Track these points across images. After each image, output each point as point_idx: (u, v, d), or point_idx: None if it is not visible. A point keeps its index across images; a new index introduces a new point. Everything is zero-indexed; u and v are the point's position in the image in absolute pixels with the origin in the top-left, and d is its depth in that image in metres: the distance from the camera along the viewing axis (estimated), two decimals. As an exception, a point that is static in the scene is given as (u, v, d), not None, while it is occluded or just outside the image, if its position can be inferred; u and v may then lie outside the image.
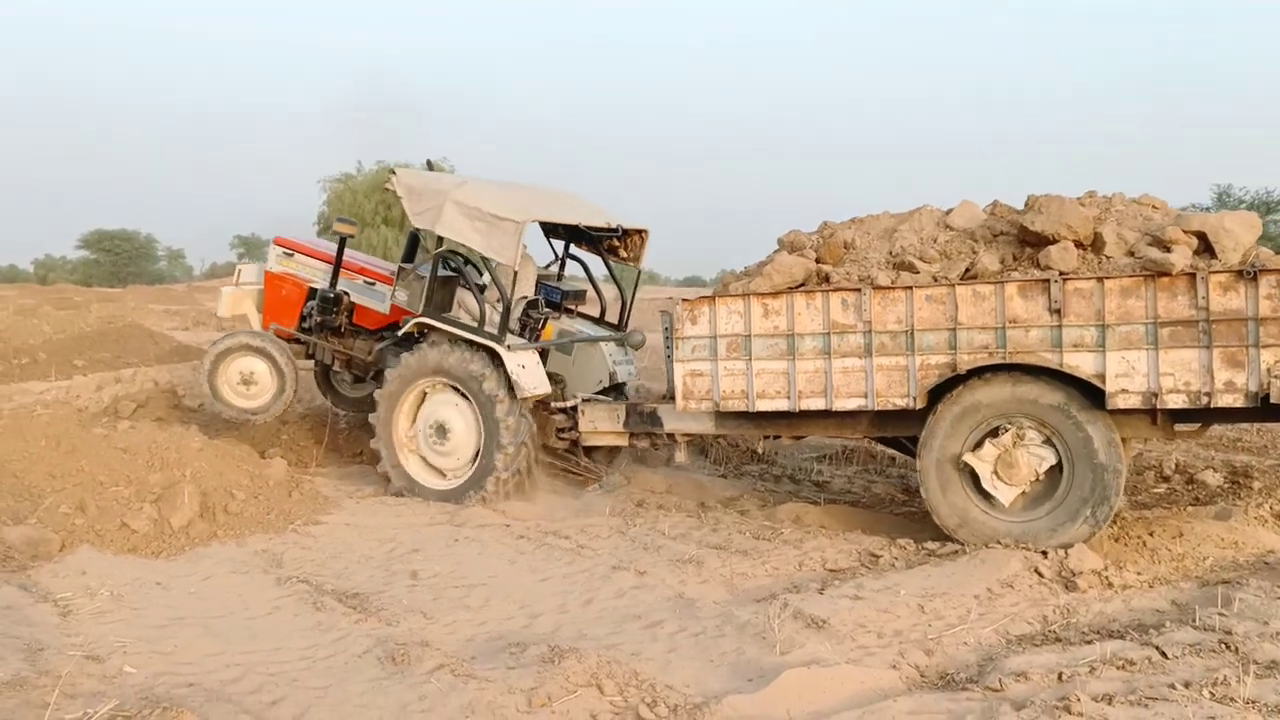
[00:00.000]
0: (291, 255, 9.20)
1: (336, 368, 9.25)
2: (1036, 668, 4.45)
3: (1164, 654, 4.56)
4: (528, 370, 7.87)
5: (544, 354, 8.31)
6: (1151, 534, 6.48)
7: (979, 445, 6.46)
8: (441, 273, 8.29)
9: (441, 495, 7.99)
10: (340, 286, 8.88)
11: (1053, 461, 6.35)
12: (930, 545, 6.41)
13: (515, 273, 7.88)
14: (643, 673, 4.50)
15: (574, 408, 8.09)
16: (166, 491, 6.84)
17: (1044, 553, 6.00)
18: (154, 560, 6.28)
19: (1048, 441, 6.36)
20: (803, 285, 6.82)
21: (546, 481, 8.25)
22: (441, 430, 8.01)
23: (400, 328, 8.36)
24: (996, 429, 6.44)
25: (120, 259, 48.56)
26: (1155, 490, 8.00)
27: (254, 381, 8.73)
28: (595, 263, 9.39)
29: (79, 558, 6.09)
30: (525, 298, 8.14)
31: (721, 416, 7.18)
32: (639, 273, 9.05)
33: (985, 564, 5.91)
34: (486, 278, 8.34)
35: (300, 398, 10.69)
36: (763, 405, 6.85)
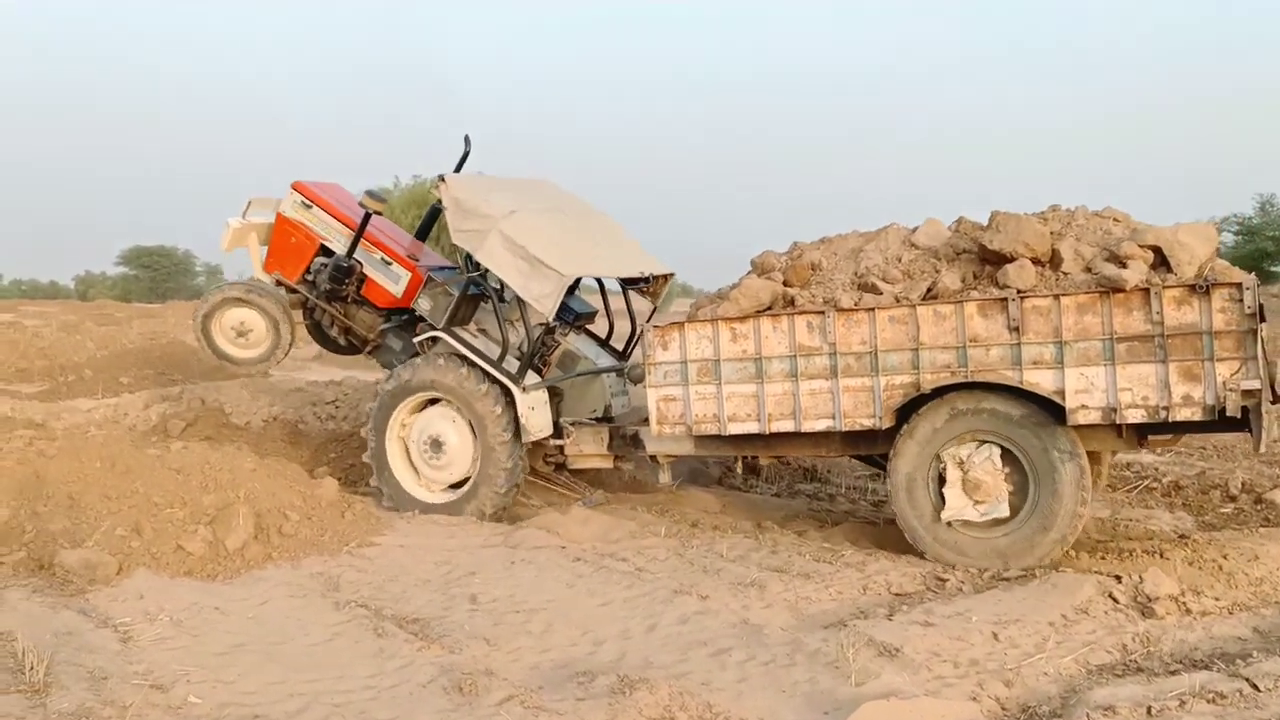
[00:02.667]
0: (310, 207, 8.72)
1: (333, 332, 9.06)
2: (1123, 700, 4.31)
3: (1255, 686, 4.41)
4: (536, 412, 7.88)
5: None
6: (1226, 557, 6.28)
7: (942, 500, 6.48)
8: (471, 290, 8.23)
9: (429, 509, 7.99)
10: (356, 257, 8.56)
11: (999, 451, 6.40)
12: (997, 568, 6.27)
13: (547, 321, 7.82)
14: (716, 704, 4.40)
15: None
16: (221, 513, 6.80)
17: (1117, 577, 5.83)
18: (210, 583, 6.24)
19: (981, 444, 6.44)
20: (770, 308, 6.85)
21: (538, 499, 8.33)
22: (436, 445, 8.00)
23: (410, 317, 8.45)
24: (940, 475, 6.49)
25: (159, 275, 48.94)
26: (1222, 510, 7.80)
27: (248, 333, 8.68)
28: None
29: (136, 581, 6.07)
30: (542, 324, 8.04)
31: (699, 439, 7.20)
32: (654, 308, 8.93)
33: (1057, 589, 5.75)
34: (509, 295, 8.14)
35: (347, 415, 10.70)
36: (734, 428, 6.89)
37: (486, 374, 7.85)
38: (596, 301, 9.27)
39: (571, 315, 8.64)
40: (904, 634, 5.16)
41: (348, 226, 8.59)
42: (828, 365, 6.62)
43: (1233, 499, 7.99)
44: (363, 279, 8.63)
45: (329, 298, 8.71)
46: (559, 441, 8.03)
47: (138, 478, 6.98)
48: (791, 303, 6.85)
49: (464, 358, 7.94)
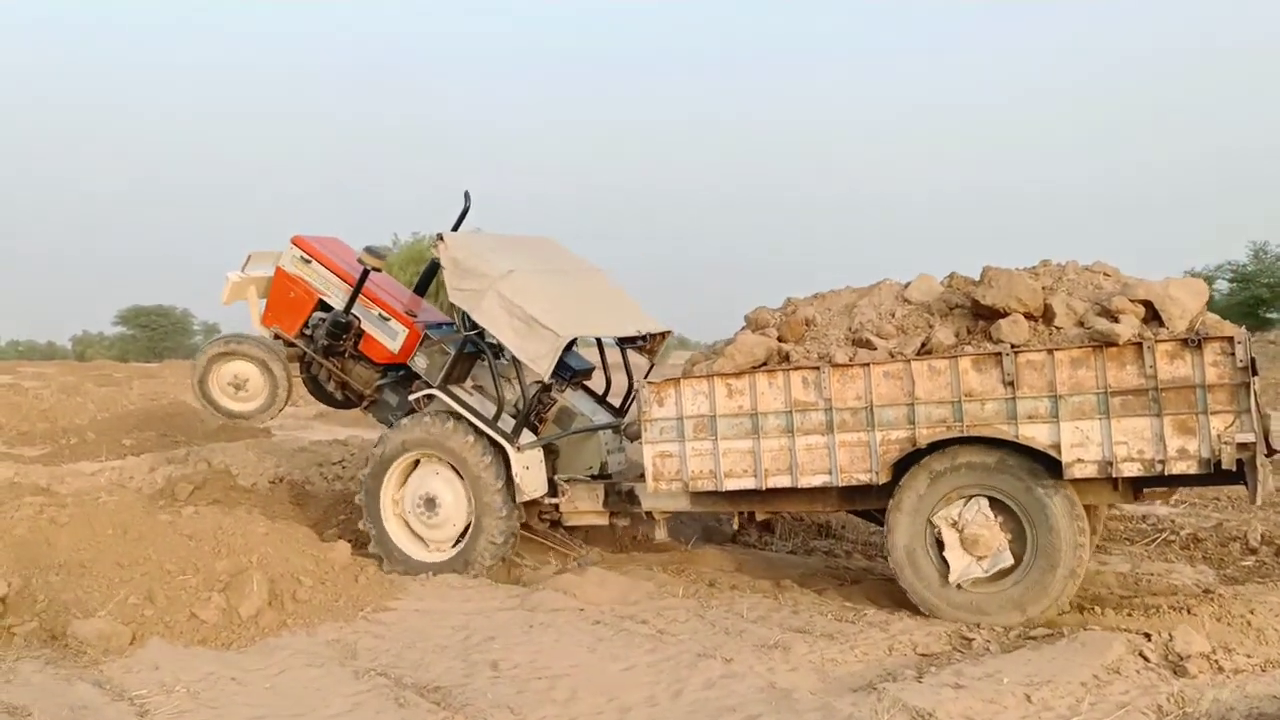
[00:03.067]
0: (309, 262, 8.71)
1: (330, 387, 9.06)
2: (1165, 765, 4.22)
3: (1297, 748, 4.33)
4: (531, 471, 7.88)
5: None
6: (1253, 612, 6.21)
7: (946, 564, 6.46)
8: (468, 349, 8.24)
9: (443, 568, 7.95)
10: (354, 312, 8.55)
11: (985, 503, 6.40)
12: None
13: (543, 380, 7.83)
14: (751, 775, 4.31)
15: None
16: (234, 579, 6.72)
17: (1147, 635, 5.76)
18: (225, 652, 6.15)
19: (968, 499, 6.44)
20: (765, 364, 6.88)
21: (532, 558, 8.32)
22: (430, 503, 7.99)
23: (407, 372, 8.49)
24: (938, 539, 6.49)
25: (157, 334, 48.88)
26: (1244, 563, 7.73)
27: (245, 383, 8.66)
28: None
29: (150, 651, 5.99)
30: (538, 383, 8.05)
31: (695, 495, 7.18)
32: (651, 365, 8.96)
33: (1086, 648, 5.67)
34: (507, 353, 8.10)
35: (353, 475, 10.62)
36: (730, 484, 6.92)
37: (458, 416, 7.87)
38: (594, 357, 9.28)
39: (569, 372, 8.65)
40: (936, 697, 5.08)
41: (346, 282, 8.59)
42: (823, 421, 6.65)
43: (1253, 551, 7.92)
44: (360, 334, 8.63)
45: (326, 353, 8.72)
46: (553, 500, 8.01)
47: (150, 544, 6.91)
48: (786, 358, 6.88)
49: (458, 416, 7.94)
